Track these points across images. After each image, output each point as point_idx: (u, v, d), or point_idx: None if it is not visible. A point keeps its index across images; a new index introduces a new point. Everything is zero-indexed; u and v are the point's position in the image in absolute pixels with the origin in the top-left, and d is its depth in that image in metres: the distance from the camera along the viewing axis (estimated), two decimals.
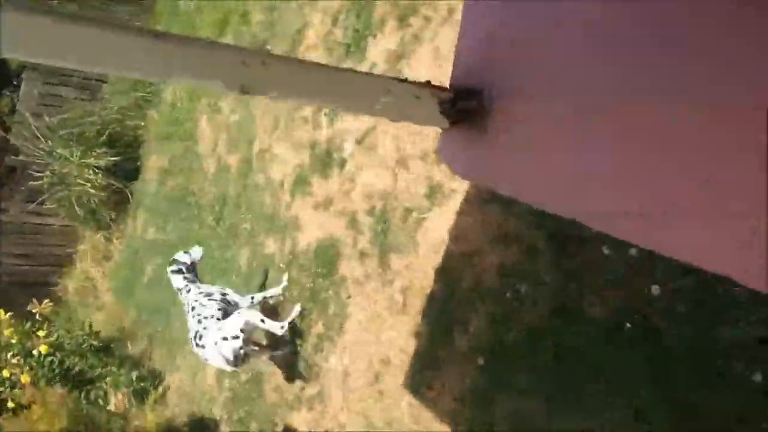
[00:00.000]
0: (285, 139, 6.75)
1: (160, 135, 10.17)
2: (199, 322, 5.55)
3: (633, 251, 3.22)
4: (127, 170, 10.53)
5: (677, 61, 2.06)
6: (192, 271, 6.26)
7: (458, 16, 4.98)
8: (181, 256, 6.31)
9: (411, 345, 4.64)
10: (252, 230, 6.95)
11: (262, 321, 5.44)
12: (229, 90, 2.71)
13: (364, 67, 5.76)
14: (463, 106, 3.24)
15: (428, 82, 3.41)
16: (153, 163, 10.21)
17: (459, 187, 4.62)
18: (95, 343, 9.28)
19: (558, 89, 3.06)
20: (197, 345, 5.50)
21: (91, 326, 9.41)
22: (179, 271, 6.16)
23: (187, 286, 6.05)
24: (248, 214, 7.08)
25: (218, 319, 5.51)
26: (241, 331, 5.33)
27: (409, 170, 5.05)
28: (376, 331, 4.99)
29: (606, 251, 3.36)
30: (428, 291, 4.62)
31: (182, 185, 9.01)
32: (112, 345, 9.47)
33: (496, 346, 3.96)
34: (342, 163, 5.77)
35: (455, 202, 4.61)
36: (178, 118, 9.67)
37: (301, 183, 6.21)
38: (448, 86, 3.35)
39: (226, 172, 7.90)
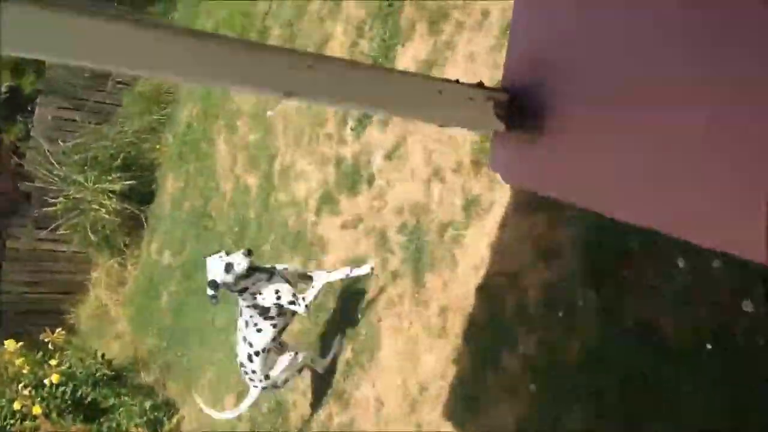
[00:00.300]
0: (308, 155, 6.45)
1: (175, 157, 9.91)
2: (250, 359, 5.02)
3: (716, 263, 2.87)
4: (143, 194, 10.27)
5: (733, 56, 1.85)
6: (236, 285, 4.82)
7: (493, 18, 4.69)
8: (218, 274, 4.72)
9: (451, 371, 4.29)
10: (275, 251, 6.62)
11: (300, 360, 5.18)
12: (272, 94, 2.44)
13: None
14: (519, 109, 2.93)
15: (481, 83, 3.10)
16: (169, 185, 9.94)
17: (499, 200, 4.29)
18: (108, 372, 8.98)
19: (615, 90, 2.76)
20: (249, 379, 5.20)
21: (104, 356, 9.11)
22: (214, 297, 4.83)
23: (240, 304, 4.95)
24: (271, 234, 6.75)
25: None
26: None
27: (443, 183, 4.73)
28: (411, 357, 4.64)
29: (681, 264, 3.00)
30: (469, 312, 4.27)
31: (199, 208, 8.71)
32: (125, 374, 9.16)
33: (550, 371, 3.59)
34: (370, 179, 5.45)
35: (495, 216, 4.28)
36: (193, 139, 9.41)
37: (327, 201, 5.88)
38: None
39: (245, 193, 7.59)
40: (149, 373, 8.91)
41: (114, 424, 8.28)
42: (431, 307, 4.56)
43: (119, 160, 10.10)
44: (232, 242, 7.52)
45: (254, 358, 4.96)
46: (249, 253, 4.73)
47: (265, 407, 6.13)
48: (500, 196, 4.28)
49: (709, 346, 2.83)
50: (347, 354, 5.29)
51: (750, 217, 1.86)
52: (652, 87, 2.73)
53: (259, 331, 4.90)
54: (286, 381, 5.22)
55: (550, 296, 3.73)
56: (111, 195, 9.85)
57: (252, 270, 4.75)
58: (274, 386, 5.22)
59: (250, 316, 4.88)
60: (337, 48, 6.44)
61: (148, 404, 8.16)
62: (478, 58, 4.72)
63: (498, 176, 4.26)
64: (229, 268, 4.63)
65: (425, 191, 4.86)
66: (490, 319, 4.08)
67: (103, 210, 9.84)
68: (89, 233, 9.92)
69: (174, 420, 8.04)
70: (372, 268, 5.03)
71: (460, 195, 4.56)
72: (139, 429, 8.08)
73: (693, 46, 2.18)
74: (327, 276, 5.06)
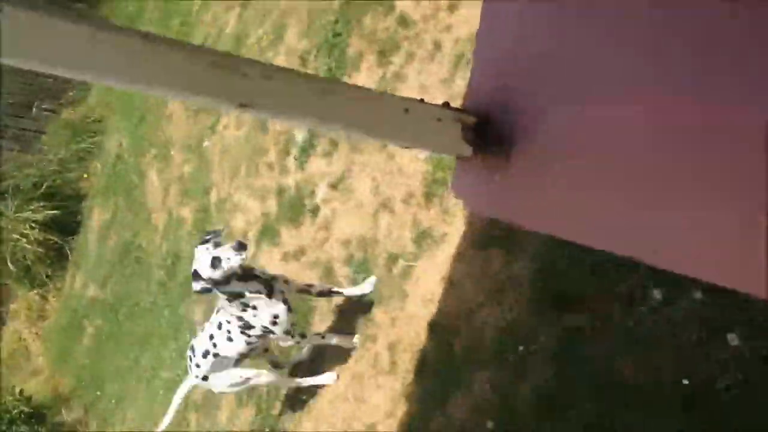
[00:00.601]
0: (247, 187, 6.26)
1: (103, 188, 9.59)
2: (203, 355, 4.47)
3: (698, 294, 2.80)
4: (67, 224, 9.88)
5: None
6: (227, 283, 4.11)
7: (445, 50, 4.64)
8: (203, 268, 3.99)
9: (401, 409, 4.13)
10: None
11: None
12: (225, 106, 2.28)
13: None
14: (485, 133, 2.84)
15: (448, 104, 3.00)
16: (96, 217, 9.58)
17: (452, 232, 4.19)
18: (27, 409, 8.52)
19: (585, 115, 2.69)
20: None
21: (22, 392, 8.65)
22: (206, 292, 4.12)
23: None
24: None
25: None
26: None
27: (392, 214, 4.62)
28: (357, 394, 4.47)
29: (657, 295, 2.92)
30: (419, 348, 4.13)
31: (127, 240, 8.40)
32: (45, 412, 8.70)
33: (505, 414, 3.47)
34: (315, 210, 5.30)
35: (448, 249, 4.17)
36: (123, 169, 9.11)
37: (268, 233, 5.70)
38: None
39: (179, 225, 7.34)
40: (70, 411, 8.48)
41: None
42: (379, 343, 4.41)
43: (43, 189, 9.73)
44: (164, 274, 7.25)
45: (208, 356, 4.41)
46: (241, 247, 3.97)
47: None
48: (453, 229, 4.18)
49: (685, 382, 2.75)
50: (287, 390, 5.08)
51: (748, 246, 1.78)
52: (622, 110, 2.65)
53: (230, 340, 4.35)
54: (227, 389, 4.77)
55: (506, 335, 3.61)
56: (33, 225, 9.45)
57: (249, 275, 4.16)
58: (210, 388, 4.78)
59: (228, 322, 4.30)
60: None
61: None
62: (430, 90, 4.65)
63: (453, 204, 4.18)
64: (215, 263, 3.91)
65: (373, 223, 4.73)
66: (443, 358, 3.95)
67: (25, 240, 9.43)
68: (9, 263, 9.48)
69: None
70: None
71: (411, 227, 4.44)
72: None
73: (665, 69, 2.12)
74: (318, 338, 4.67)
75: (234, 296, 4.15)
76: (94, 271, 9.07)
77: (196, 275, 4.01)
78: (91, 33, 1.88)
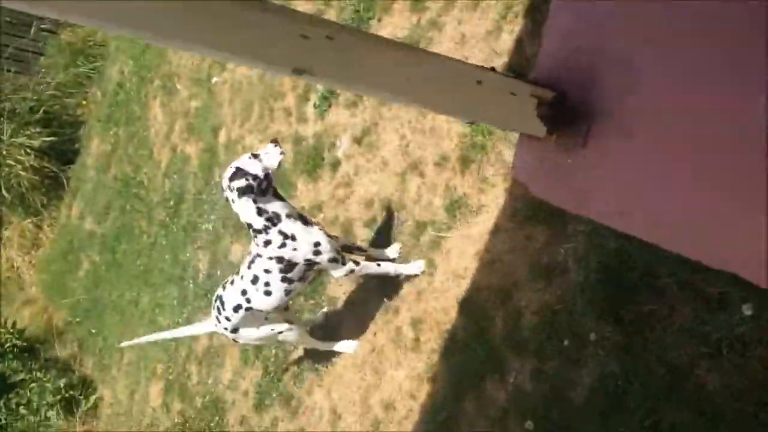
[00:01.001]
0: (260, 131, 5.89)
1: (103, 116, 9.20)
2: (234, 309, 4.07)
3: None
4: (64, 152, 9.57)
5: None
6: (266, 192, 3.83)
7: None
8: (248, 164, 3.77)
9: (423, 391, 3.86)
10: (215, 232, 6.06)
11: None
12: (277, 71, 1.98)
13: None
14: (564, 112, 2.49)
15: (522, 74, 2.66)
16: (94, 147, 9.22)
17: (490, 203, 3.85)
18: (19, 343, 8.30)
19: (682, 98, 2.38)
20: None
21: (15, 324, 8.42)
22: (248, 190, 3.75)
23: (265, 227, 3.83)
24: (212, 214, 6.18)
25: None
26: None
27: (422, 177, 4.27)
28: (376, 367, 4.19)
29: (747, 311, 2.58)
30: (448, 328, 3.83)
31: (128, 174, 8.05)
32: (38, 346, 8.48)
33: (550, 411, 3.18)
34: (335, 164, 4.94)
35: (485, 222, 3.84)
36: (125, 99, 8.71)
37: (280, 183, 5.34)
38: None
39: (184, 164, 6.98)
40: (64, 346, 8.27)
41: (24, 401, 7.65)
42: (402, 316, 4.11)
43: (40, 114, 9.40)
44: (166, 215, 6.93)
45: (240, 311, 4.01)
46: (277, 142, 3.86)
47: (199, 402, 5.61)
48: (491, 200, 3.85)
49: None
50: (298, 352, 4.82)
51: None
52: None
53: (267, 294, 3.92)
54: (252, 342, 4.41)
55: (552, 322, 3.30)
56: (29, 151, 9.15)
57: (280, 197, 3.88)
58: (236, 340, 4.36)
59: (266, 271, 3.87)
60: None
61: (62, 382, 7.54)
62: (469, 43, 4.26)
63: (493, 174, 3.84)
64: (256, 157, 3.77)
65: (400, 184, 4.39)
66: (474, 342, 3.63)
67: (20, 166, 9.12)
68: (2, 190, 9.16)
69: (91, 400, 7.45)
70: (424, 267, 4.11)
71: (443, 193, 4.10)
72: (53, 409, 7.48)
73: None
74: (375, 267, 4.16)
75: (270, 220, 3.79)
76: (91, 204, 8.75)
77: (238, 172, 3.72)
78: None
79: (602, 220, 2.58)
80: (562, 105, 2.52)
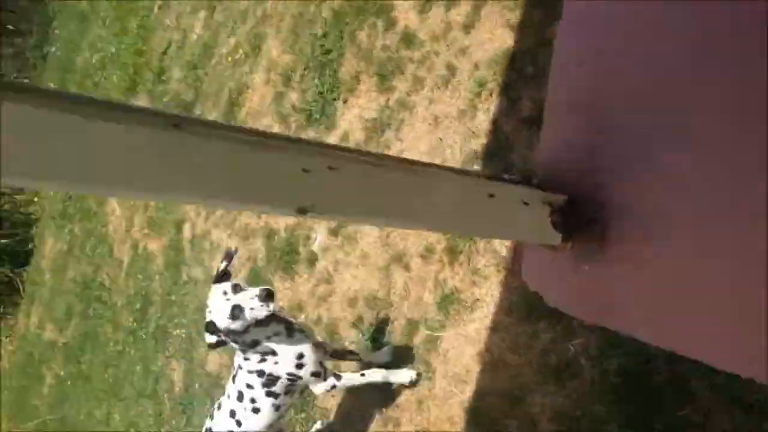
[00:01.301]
0: (227, 225, 5.53)
1: (57, 213, 8.76)
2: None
3: None
4: (17, 254, 9.08)
5: None
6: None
7: (462, 76, 3.97)
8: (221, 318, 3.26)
9: None
10: (188, 338, 5.64)
11: None
12: (279, 212, 1.73)
13: (334, 138, 4.65)
14: (578, 217, 2.20)
15: (530, 178, 2.37)
16: (49, 247, 8.76)
17: (484, 296, 3.54)
18: None
19: (708, 202, 2.12)
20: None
21: None
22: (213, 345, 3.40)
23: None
24: (183, 317, 5.77)
25: None
26: None
27: (408, 271, 3.95)
28: None
29: None
30: None
31: (87, 275, 7.60)
32: None
33: None
34: (312, 259, 4.59)
35: (482, 318, 3.52)
36: (80, 194, 8.29)
37: (255, 283, 4.97)
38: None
39: (147, 261, 6.57)
40: None
41: None
42: (403, 429, 3.74)
43: None
44: (133, 320, 6.50)
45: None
46: (268, 296, 3.22)
47: None
48: (486, 293, 3.53)
49: None
50: None
51: None
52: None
53: (255, 411, 3.53)
54: None
55: (572, 431, 2.97)
56: None
57: (267, 318, 3.34)
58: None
59: (249, 386, 3.51)
60: (257, 100, 5.58)
61: None
62: (443, 123, 3.98)
63: (485, 265, 3.53)
64: (236, 313, 3.19)
65: (384, 280, 4.06)
66: None
67: None
68: None
69: None
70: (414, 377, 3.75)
71: (432, 288, 3.78)
72: None
73: None
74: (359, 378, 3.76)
75: (249, 346, 3.39)
76: (50, 310, 8.28)
77: (211, 327, 3.25)
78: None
79: (627, 331, 2.27)
80: (573, 208, 2.23)
